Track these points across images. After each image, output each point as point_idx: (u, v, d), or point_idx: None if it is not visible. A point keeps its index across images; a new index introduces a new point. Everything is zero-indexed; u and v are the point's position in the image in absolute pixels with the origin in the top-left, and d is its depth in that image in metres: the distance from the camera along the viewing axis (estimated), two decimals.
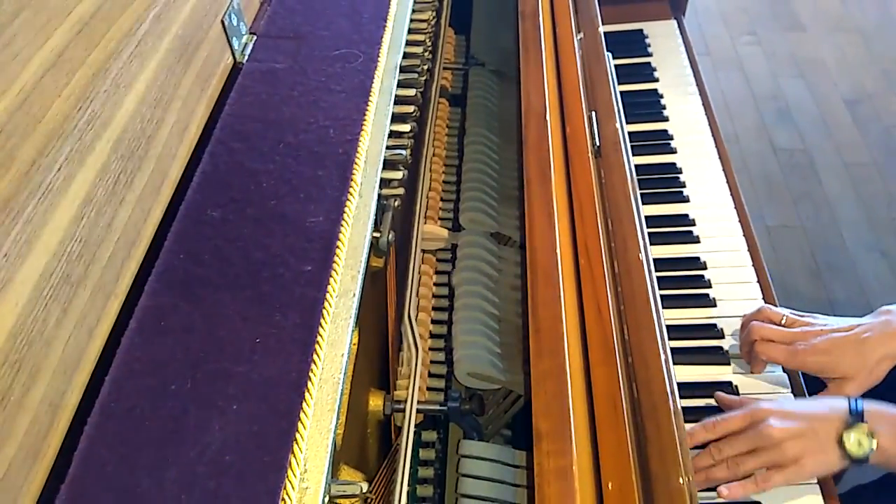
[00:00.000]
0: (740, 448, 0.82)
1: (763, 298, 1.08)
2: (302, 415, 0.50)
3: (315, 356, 0.54)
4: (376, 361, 0.80)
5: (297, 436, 0.49)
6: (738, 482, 0.82)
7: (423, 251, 0.88)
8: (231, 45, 0.79)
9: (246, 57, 0.80)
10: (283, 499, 0.47)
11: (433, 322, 0.86)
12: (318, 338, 0.55)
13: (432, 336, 0.85)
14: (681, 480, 0.58)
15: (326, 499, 0.49)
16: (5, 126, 0.47)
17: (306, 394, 0.51)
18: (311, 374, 0.53)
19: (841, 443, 0.79)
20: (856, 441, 0.78)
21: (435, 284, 0.90)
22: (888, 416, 0.81)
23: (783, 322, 0.95)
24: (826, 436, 0.79)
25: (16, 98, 0.48)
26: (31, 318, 0.48)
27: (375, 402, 0.75)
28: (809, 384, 0.96)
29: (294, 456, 0.48)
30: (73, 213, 0.53)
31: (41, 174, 0.50)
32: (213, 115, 0.73)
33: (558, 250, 0.67)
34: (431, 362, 0.82)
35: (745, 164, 2.36)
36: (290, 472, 0.48)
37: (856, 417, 0.80)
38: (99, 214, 0.56)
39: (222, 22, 0.77)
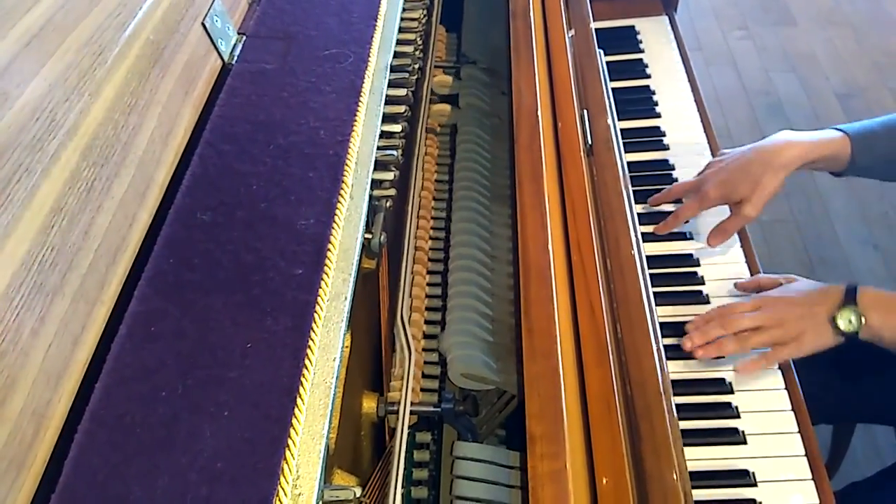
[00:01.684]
0: (748, 325, 0.94)
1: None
2: (294, 420, 0.50)
3: (307, 361, 0.53)
4: (369, 363, 0.79)
5: (290, 441, 0.49)
6: (751, 360, 0.96)
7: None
8: (217, 48, 0.78)
9: (235, 58, 0.79)
10: None
11: (426, 323, 0.86)
12: (310, 342, 0.54)
13: (425, 337, 0.84)
14: (675, 477, 0.58)
15: None
16: None
17: (298, 399, 0.51)
18: (302, 379, 0.52)
19: (834, 321, 0.91)
20: (846, 320, 0.90)
21: (428, 285, 0.90)
22: (880, 297, 0.91)
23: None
24: (822, 316, 0.92)
25: None
26: (1, 329, 0.48)
27: (369, 404, 0.75)
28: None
29: (286, 462, 0.48)
30: (41, 222, 0.52)
31: None
32: (202, 116, 0.72)
33: (551, 249, 0.66)
34: (425, 363, 0.82)
35: None
36: (282, 478, 0.47)
37: (849, 299, 0.91)
38: (72, 223, 0.55)
39: (203, 24, 0.76)
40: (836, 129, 1.07)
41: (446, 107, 1.03)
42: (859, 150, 1.05)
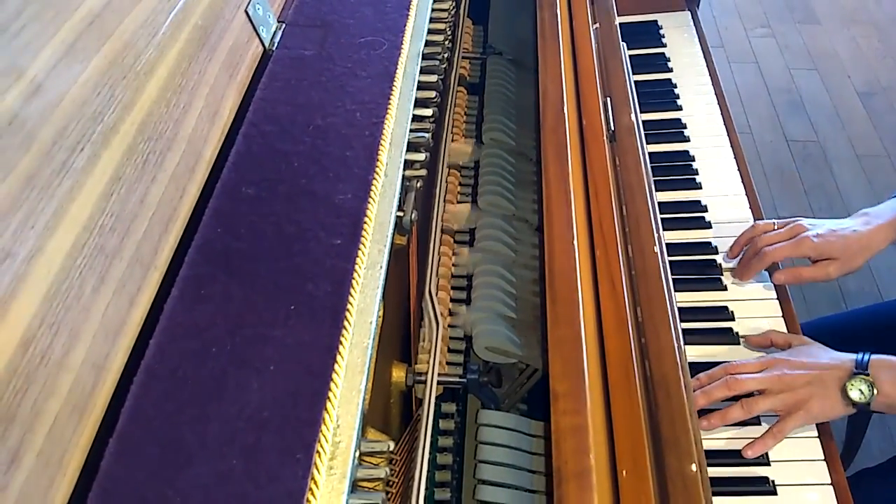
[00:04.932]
0: (753, 387, 0.90)
1: (773, 285, 1.11)
2: (334, 375, 0.54)
3: (346, 322, 0.57)
4: (399, 335, 0.83)
5: (331, 394, 0.53)
6: (759, 441, 0.91)
7: (443, 231, 0.91)
8: (259, 34, 0.83)
9: (275, 45, 0.83)
10: (317, 451, 0.50)
11: (452, 301, 0.89)
12: (349, 306, 0.58)
13: (451, 314, 0.88)
14: (691, 443, 0.61)
15: (357, 454, 0.52)
16: (22, 110, 0.50)
17: (338, 356, 0.55)
18: (342, 339, 0.56)
19: (844, 391, 0.87)
20: (857, 390, 0.87)
21: (453, 265, 0.93)
22: (891, 364, 0.89)
23: (776, 227, 1.09)
24: (832, 384, 0.89)
25: (30, 84, 0.52)
26: (66, 285, 0.51)
27: (398, 373, 0.78)
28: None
29: (327, 413, 0.52)
30: (102, 189, 0.56)
31: (63, 153, 0.53)
32: (245, 99, 0.77)
33: (574, 226, 0.70)
34: (450, 338, 0.85)
35: (758, 155, 2.38)
36: (324, 427, 0.51)
37: (860, 369, 0.88)
38: (129, 192, 0.59)
39: (246, 12, 0.81)
40: None
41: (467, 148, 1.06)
42: None
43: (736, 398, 0.92)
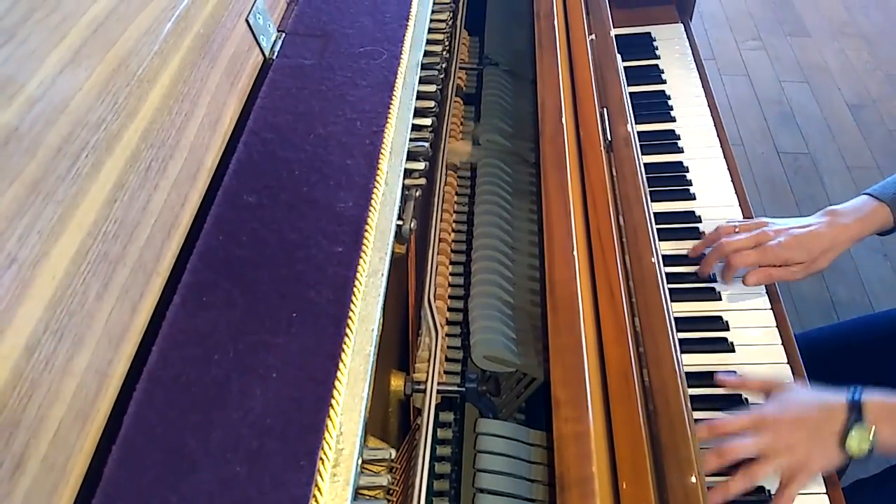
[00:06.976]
0: (749, 453, 0.84)
1: (768, 296, 1.12)
2: (337, 383, 0.54)
3: (348, 330, 0.57)
4: (397, 344, 0.83)
5: (333, 401, 0.53)
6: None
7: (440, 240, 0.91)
8: (259, 43, 0.83)
9: (275, 54, 0.83)
10: (321, 458, 0.50)
11: (449, 310, 0.90)
12: (350, 313, 0.58)
13: (448, 323, 0.88)
14: (689, 449, 0.62)
15: (360, 461, 0.53)
16: (27, 116, 0.51)
17: (340, 364, 0.55)
18: (344, 346, 0.56)
19: (843, 443, 0.82)
20: (857, 442, 0.82)
21: (451, 275, 0.94)
22: (887, 406, 0.83)
23: (737, 230, 1.11)
24: (830, 438, 0.83)
25: (36, 90, 0.52)
26: (70, 291, 0.52)
27: (396, 382, 0.79)
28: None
29: (330, 419, 0.52)
30: (106, 196, 0.57)
31: (68, 160, 0.54)
32: (245, 107, 0.77)
33: (574, 235, 0.71)
34: (448, 347, 0.86)
35: (749, 166, 2.40)
36: (327, 433, 0.51)
37: (855, 413, 0.83)
38: (133, 198, 0.59)
39: (247, 21, 0.81)
40: (872, 196, 1.09)
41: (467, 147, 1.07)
42: None
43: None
